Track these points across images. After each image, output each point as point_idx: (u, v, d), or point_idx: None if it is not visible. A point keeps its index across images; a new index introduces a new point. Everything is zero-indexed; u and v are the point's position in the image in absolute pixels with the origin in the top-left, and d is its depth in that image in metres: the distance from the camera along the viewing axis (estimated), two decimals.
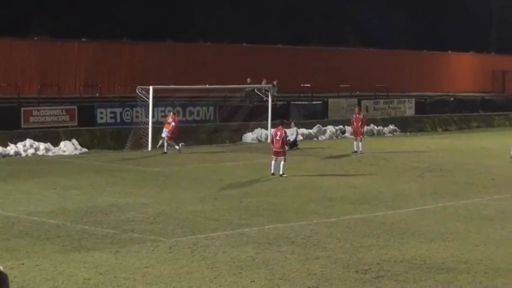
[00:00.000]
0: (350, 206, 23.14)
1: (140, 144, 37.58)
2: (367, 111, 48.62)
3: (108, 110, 39.57)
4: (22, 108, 37.12)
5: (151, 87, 38.09)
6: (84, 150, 36.63)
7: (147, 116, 37.97)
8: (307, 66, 54.82)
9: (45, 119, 37.21)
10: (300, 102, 48.28)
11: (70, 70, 44.85)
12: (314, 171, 30.81)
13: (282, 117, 37.53)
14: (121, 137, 38.22)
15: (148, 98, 37.98)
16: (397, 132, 50.19)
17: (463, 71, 66.85)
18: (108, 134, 38.63)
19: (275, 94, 45.59)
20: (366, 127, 41.49)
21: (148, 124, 37.72)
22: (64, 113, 37.94)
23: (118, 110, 39.77)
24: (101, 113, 39.23)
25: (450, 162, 34.61)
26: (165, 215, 21.15)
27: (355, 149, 37.57)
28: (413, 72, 62.46)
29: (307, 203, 23.48)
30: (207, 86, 43.73)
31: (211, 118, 43.11)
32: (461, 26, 72.14)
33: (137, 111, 38.88)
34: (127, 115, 39.67)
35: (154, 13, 59.57)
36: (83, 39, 46.86)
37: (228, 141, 41.98)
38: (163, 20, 59.20)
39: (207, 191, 25.18)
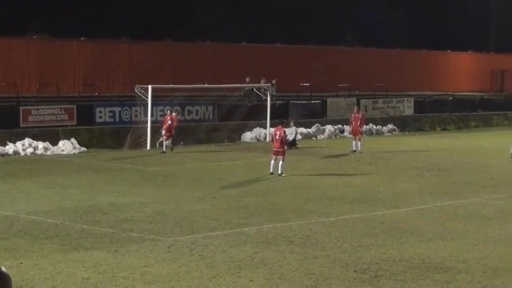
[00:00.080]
0: (349, 205, 23.14)
1: (139, 143, 37.59)
2: (366, 110, 48.59)
3: (107, 109, 39.57)
4: (21, 108, 37.11)
5: (150, 87, 38.10)
6: (83, 149, 36.62)
7: (146, 115, 38.00)
8: (306, 66, 54.76)
9: (44, 118, 37.19)
10: (298, 102, 48.25)
11: (69, 69, 44.80)
12: (313, 171, 30.81)
13: (280, 117, 37.56)
14: (120, 136, 38.21)
15: (147, 97, 37.99)
16: (396, 132, 50.17)
17: (462, 71, 66.80)
18: (107, 133, 38.62)
19: (274, 93, 45.54)
20: (364, 126, 41.44)
21: (147, 123, 37.74)
22: (63, 112, 37.93)
23: (117, 109, 39.76)
24: (100, 112, 39.22)
25: (449, 161, 34.61)
26: (163, 214, 21.15)
27: (354, 149, 37.57)
28: (412, 72, 62.40)
29: (305, 202, 23.48)
30: (206, 85, 43.73)
31: (210, 117, 43.11)
32: (460, 25, 72.05)
33: (136, 111, 38.87)
34: (126, 114, 39.66)
35: (153, 12, 59.53)
36: (82, 39, 46.81)
37: (226, 141, 41.95)
38: (162, 19, 59.18)
39: (206, 191, 25.17)
